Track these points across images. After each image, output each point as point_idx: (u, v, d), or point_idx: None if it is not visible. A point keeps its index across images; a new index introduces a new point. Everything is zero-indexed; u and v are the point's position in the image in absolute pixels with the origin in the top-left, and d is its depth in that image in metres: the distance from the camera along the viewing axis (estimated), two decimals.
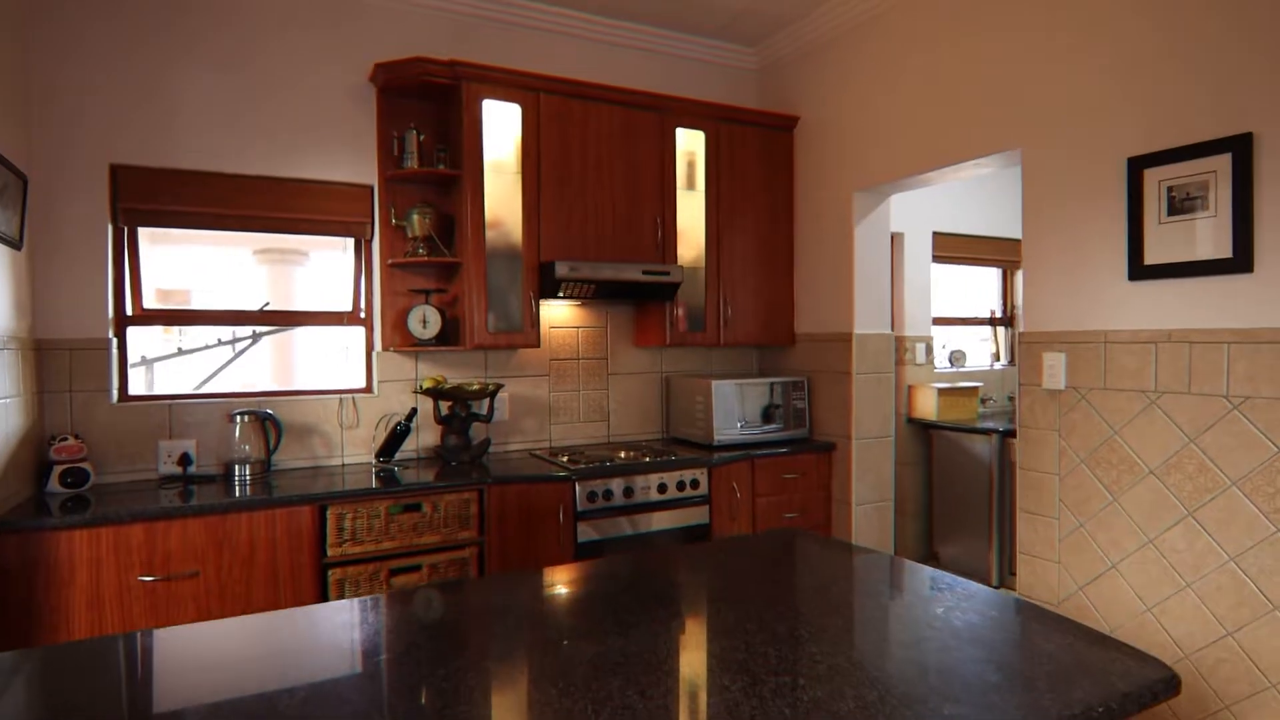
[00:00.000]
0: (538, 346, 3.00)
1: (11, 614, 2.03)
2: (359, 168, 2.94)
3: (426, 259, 2.88)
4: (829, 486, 3.38)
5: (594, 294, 3.03)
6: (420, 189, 3.00)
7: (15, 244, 2.26)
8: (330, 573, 2.41)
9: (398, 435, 2.86)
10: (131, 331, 2.82)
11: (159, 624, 2.18)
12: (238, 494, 2.46)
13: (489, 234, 2.88)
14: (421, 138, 2.89)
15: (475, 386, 2.91)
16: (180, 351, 3.08)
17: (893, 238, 4.03)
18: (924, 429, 4.35)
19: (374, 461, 2.89)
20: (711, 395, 3.22)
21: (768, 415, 3.35)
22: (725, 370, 3.79)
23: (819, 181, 3.44)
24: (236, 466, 2.61)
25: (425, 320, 2.88)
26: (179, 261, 3.56)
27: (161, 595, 2.19)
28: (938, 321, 4.61)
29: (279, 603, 2.33)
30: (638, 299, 3.31)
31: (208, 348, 3.12)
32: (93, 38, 2.53)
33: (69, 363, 2.51)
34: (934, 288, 4.51)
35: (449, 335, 2.98)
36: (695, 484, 2.93)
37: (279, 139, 2.80)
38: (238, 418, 2.63)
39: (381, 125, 2.95)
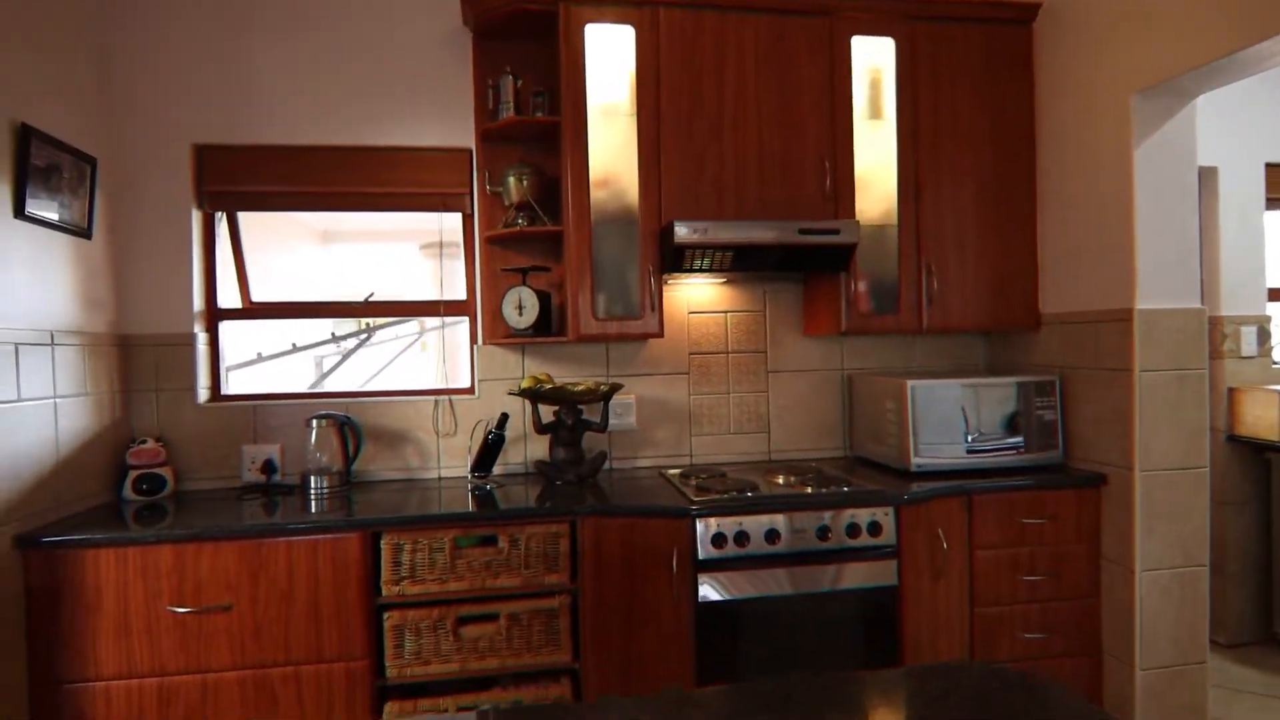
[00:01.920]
0: (659, 335, 2.32)
1: (39, 641, 1.81)
2: (455, 129, 2.49)
3: (525, 229, 2.35)
4: (1096, 539, 2.28)
5: (732, 264, 2.28)
6: (521, 148, 2.48)
7: (82, 232, 2.10)
8: (385, 616, 1.95)
9: (490, 446, 2.35)
10: (256, 326, 2.66)
11: (189, 663, 1.86)
12: (313, 509, 2.12)
13: (597, 194, 2.27)
14: (519, 83, 2.36)
15: (581, 387, 2.32)
16: (295, 348, 2.88)
17: (1201, 174, 2.74)
18: (1257, 452, 2.96)
19: (469, 477, 2.42)
20: (906, 401, 2.31)
21: (1002, 430, 2.35)
22: (936, 366, 2.81)
23: (1075, 89, 2.36)
24: (312, 477, 2.27)
25: (521, 305, 2.35)
26: (353, 260, 3.47)
27: (193, 629, 1.87)
28: (1276, 295, 3.16)
29: (322, 650, 1.91)
30: (806, 271, 2.49)
31: (320, 344, 2.89)
32: (167, 9, 2.34)
33: (155, 360, 2.35)
34: (1268, 246, 3.08)
35: (551, 323, 2.42)
36: (875, 528, 2.06)
37: (367, 103, 2.44)
38: (314, 422, 2.30)
39: (478, 77, 2.47)
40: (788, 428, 2.69)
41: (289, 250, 3.91)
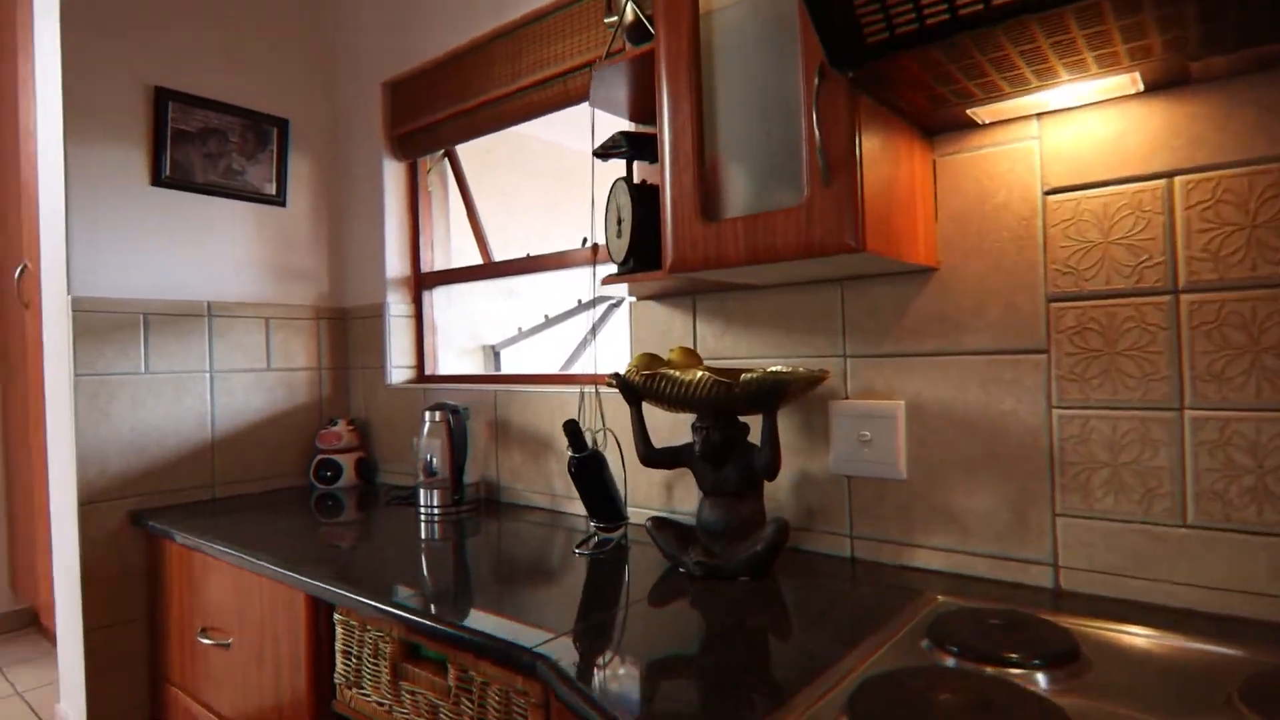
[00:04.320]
0: (843, 246, 0.88)
1: (152, 627, 1.73)
2: None
3: (610, 61, 1.22)
4: None
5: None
6: None
7: (268, 198, 1.99)
8: None
9: (581, 478, 1.32)
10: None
11: (211, 698, 1.51)
12: (424, 532, 1.54)
13: None
14: None
15: (695, 376, 1.07)
16: (547, 320, 2.31)
17: None
18: None
19: (590, 529, 1.41)
20: None
21: None
22: None
23: None
24: (421, 490, 1.67)
25: (620, 217, 1.23)
26: None
27: (210, 659, 1.50)
28: None
29: None
30: None
31: (570, 314, 2.25)
32: None
33: (363, 334, 2.12)
34: None
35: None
36: None
37: None
38: (426, 415, 1.68)
39: None
40: None
41: None
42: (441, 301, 2.14)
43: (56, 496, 1.76)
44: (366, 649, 1.17)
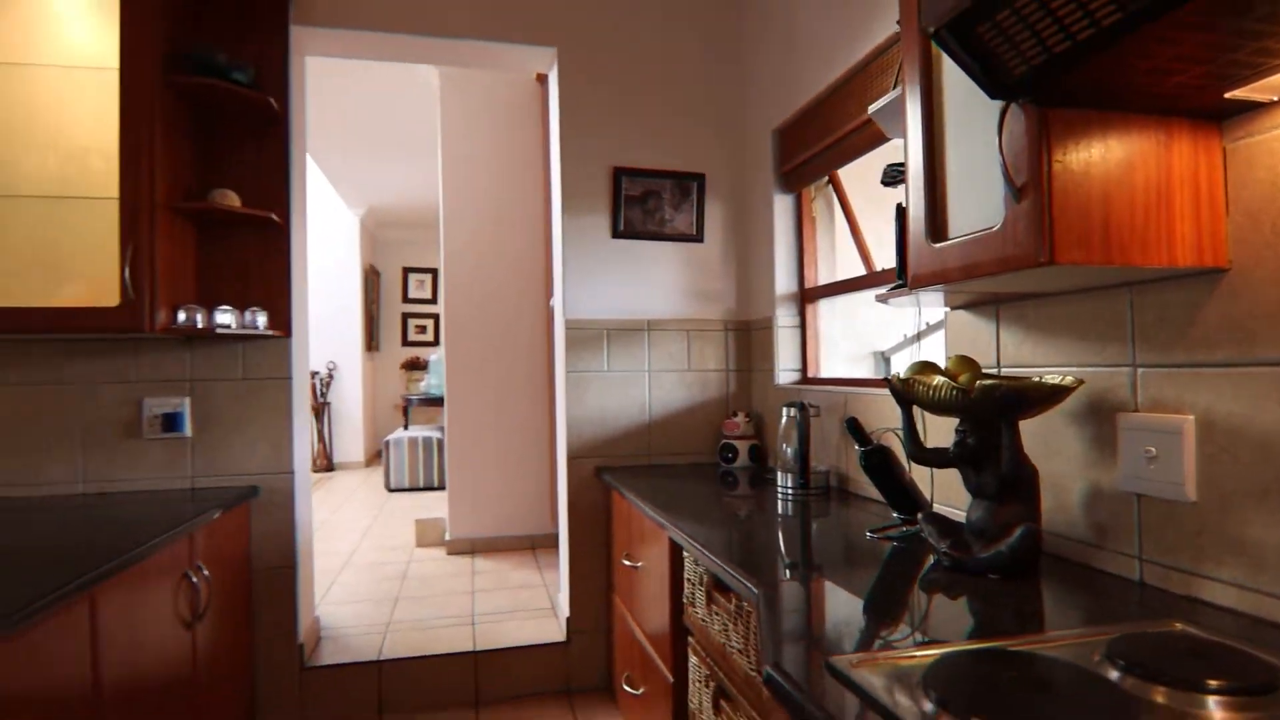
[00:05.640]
0: (1032, 259, 0.90)
1: (608, 547, 2.44)
2: None
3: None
4: None
5: None
6: None
7: (690, 237, 2.56)
8: (688, 641, 1.64)
9: (874, 473, 1.45)
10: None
11: (628, 605, 2.10)
12: (779, 508, 1.94)
13: None
14: None
15: (936, 382, 1.16)
16: (928, 326, 2.32)
17: None
18: None
19: (894, 519, 1.53)
20: None
21: None
22: None
23: None
24: (779, 473, 1.99)
25: (896, 239, 1.33)
26: None
27: (630, 577, 2.09)
28: None
29: (655, 643, 1.79)
30: None
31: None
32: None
33: (761, 342, 2.53)
34: None
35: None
36: None
37: None
38: (784, 410, 1.99)
39: None
40: None
41: None
42: (827, 312, 2.41)
43: (559, 453, 2.62)
44: (697, 577, 1.56)
